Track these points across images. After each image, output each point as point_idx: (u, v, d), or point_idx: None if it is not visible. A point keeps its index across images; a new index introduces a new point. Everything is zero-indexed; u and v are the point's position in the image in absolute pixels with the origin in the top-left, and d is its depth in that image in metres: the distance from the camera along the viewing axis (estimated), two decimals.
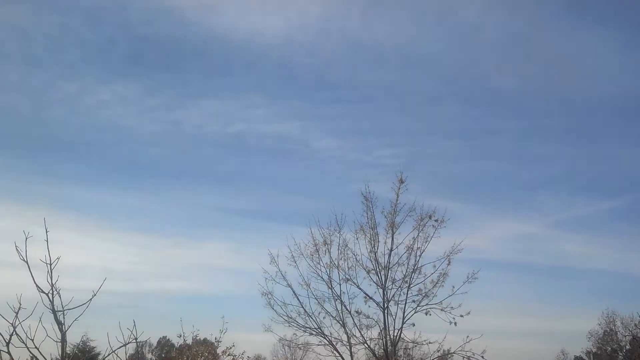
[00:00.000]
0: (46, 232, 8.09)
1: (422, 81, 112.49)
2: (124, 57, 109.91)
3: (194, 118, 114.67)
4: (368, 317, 22.30)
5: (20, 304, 8.00)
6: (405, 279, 22.18)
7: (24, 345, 8.13)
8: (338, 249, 23.15)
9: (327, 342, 22.65)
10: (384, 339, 22.04)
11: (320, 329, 22.77)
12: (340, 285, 22.84)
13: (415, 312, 22.09)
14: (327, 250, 23.26)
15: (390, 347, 21.92)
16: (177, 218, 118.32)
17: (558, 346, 77.30)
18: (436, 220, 22.49)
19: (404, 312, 22.12)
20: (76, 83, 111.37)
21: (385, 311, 22.12)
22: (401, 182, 22.66)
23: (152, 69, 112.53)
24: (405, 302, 22.13)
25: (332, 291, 22.91)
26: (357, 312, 22.44)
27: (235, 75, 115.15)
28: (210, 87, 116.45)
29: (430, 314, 21.90)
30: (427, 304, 21.93)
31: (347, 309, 22.65)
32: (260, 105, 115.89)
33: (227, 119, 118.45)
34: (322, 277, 23.10)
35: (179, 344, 27.70)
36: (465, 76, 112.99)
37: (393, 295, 22.25)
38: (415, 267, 22.24)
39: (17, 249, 8.00)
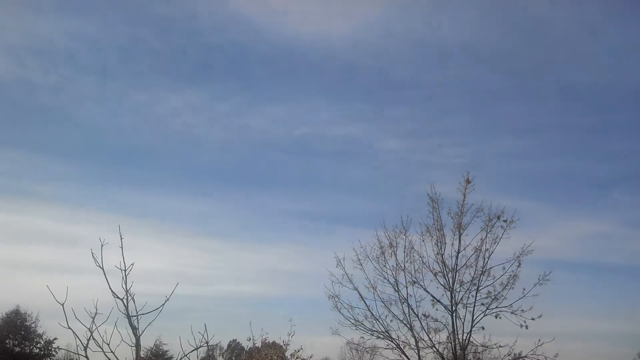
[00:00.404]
0: (121, 239, 8.34)
1: (489, 78, 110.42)
2: (193, 66, 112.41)
3: (260, 123, 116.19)
4: (436, 320, 22.03)
5: (97, 309, 8.25)
6: (474, 282, 21.81)
7: (101, 350, 8.37)
8: (404, 251, 22.98)
9: (395, 346, 22.49)
10: (452, 343, 21.72)
11: (388, 333, 22.63)
12: (406, 288, 22.66)
13: (484, 315, 21.68)
14: (393, 253, 23.11)
15: (459, 351, 21.59)
16: (246, 222, 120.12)
17: (634, 349, 74.39)
18: (505, 221, 22.00)
19: (472, 315, 21.75)
20: (147, 92, 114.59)
21: (454, 314, 21.80)
22: (468, 182, 22.28)
23: (220, 76, 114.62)
24: (474, 305, 21.76)
25: (398, 294, 22.74)
26: (424, 315, 22.21)
27: (300, 79, 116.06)
28: (276, 92, 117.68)
29: (500, 317, 21.46)
30: (496, 307, 21.49)
31: (414, 312, 22.44)
32: (325, 108, 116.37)
33: (292, 123, 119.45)
34: (388, 280, 22.97)
35: (248, 347, 28.13)
36: (534, 72, 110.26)
37: (461, 298, 21.91)
38: (484, 269, 21.83)
39: (93, 256, 8.26)
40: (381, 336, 22.73)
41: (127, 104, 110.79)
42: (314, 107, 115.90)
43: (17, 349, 58.49)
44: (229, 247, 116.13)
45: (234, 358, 70.24)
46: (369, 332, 22.90)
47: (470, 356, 22.58)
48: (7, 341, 58.07)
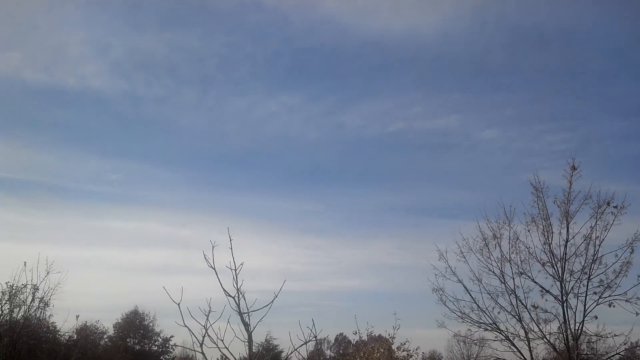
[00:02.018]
0: (230, 240, 8.73)
1: (590, 59, 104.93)
2: (287, 69, 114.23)
3: (355, 120, 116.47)
4: (546, 311, 21.50)
5: (210, 308, 8.66)
6: (585, 270, 21.11)
7: (215, 346, 8.77)
8: (509, 242, 22.56)
9: (504, 338, 22.13)
10: (564, 333, 21.11)
11: (496, 324, 22.30)
12: (513, 279, 22.24)
13: (597, 305, 20.97)
14: (497, 244, 22.74)
15: (571, 341, 20.96)
16: (346, 219, 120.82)
17: None
18: (615, 207, 21.12)
19: (584, 305, 21.06)
20: (246, 98, 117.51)
21: (564, 304, 21.18)
22: (573, 168, 21.55)
23: (313, 77, 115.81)
24: (586, 294, 21.06)
25: (505, 286, 22.35)
26: (533, 306, 21.72)
27: (392, 74, 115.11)
28: (368, 88, 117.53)
29: (614, 306, 20.71)
30: (609, 295, 20.76)
31: (522, 304, 21.99)
32: (419, 101, 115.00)
33: (386, 118, 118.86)
34: (493, 272, 22.62)
35: (355, 341, 28.44)
36: (638, 49, 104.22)
37: (572, 288, 21.26)
38: (595, 257, 21.09)
39: (205, 257, 8.70)
40: (489, 328, 22.44)
41: (227, 111, 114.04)
42: (407, 101, 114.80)
43: (137, 347, 61.68)
44: (331, 243, 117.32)
45: (341, 351, 70.98)
46: (476, 324, 22.67)
47: (584, 346, 21.89)
48: (128, 340, 61.33)
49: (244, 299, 8.80)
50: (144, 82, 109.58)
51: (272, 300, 8.79)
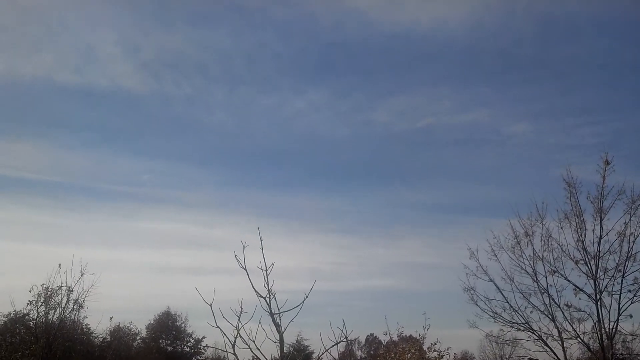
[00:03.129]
0: (260, 240, 8.77)
1: (624, 50, 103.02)
2: (314, 65, 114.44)
3: (383, 117, 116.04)
4: (579, 310, 21.22)
5: (242, 308, 8.71)
6: (619, 268, 20.79)
7: (247, 347, 8.82)
8: (541, 239, 22.31)
9: (537, 337, 21.89)
10: (598, 333, 20.80)
11: (528, 324, 22.07)
12: (546, 277, 21.99)
13: (631, 303, 20.68)
14: (529, 242, 22.51)
15: (606, 341, 20.65)
16: (375, 217, 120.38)
17: None
18: None
19: (619, 303, 20.77)
20: (274, 96, 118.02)
21: (598, 303, 20.88)
22: (607, 163, 21.21)
23: (340, 74, 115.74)
24: (620, 293, 20.78)
25: (537, 284, 22.11)
26: (566, 305, 21.45)
27: (420, 69, 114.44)
28: (396, 84, 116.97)
29: None
30: None
31: (555, 303, 21.73)
32: (447, 96, 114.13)
33: (415, 114, 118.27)
34: (525, 270, 22.39)
35: (385, 341, 28.34)
36: None
37: (606, 286, 20.97)
38: (630, 254, 20.75)
39: (236, 258, 8.75)
40: (521, 328, 22.22)
41: (255, 109, 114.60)
42: (436, 96, 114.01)
43: (170, 348, 62.16)
44: (360, 242, 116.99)
45: (372, 352, 70.80)
46: (509, 324, 22.46)
47: (619, 345, 21.55)
48: (160, 341, 61.87)
49: (275, 299, 8.84)
50: (173, 82, 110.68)
51: (303, 301, 8.82)
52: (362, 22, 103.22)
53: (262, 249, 8.77)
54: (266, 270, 8.74)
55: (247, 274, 8.77)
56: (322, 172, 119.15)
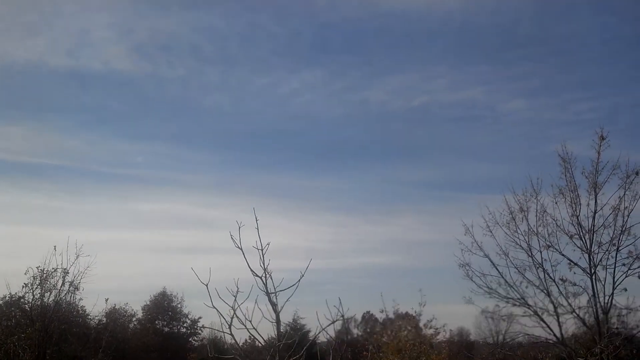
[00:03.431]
0: (256, 220, 8.70)
1: (622, 26, 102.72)
2: (309, 45, 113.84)
3: (378, 96, 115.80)
4: (574, 284, 21.26)
5: (238, 288, 8.65)
6: (613, 242, 20.79)
7: (244, 326, 8.78)
8: (536, 215, 22.30)
9: (532, 313, 21.98)
10: (593, 307, 20.89)
11: (524, 299, 22.15)
12: (541, 252, 22.00)
13: (626, 277, 20.68)
14: (524, 218, 22.49)
15: (601, 315, 20.75)
16: (370, 195, 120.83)
17: None
18: None
19: (613, 277, 20.77)
20: (268, 76, 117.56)
21: (593, 277, 20.92)
22: (602, 138, 21.12)
23: (336, 53, 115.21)
24: (615, 266, 20.76)
25: (532, 259, 22.14)
26: (561, 279, 21.49)
27: (416, 47, 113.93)
28: (392, 63, 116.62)
29: None
30: (639, 267, 20.50)
31: (550, 277, 21.77)
32: (443, 74, 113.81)
33: (410, 92, 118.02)
34: (520, 246, 22.40)
35: (382, 319, 28.46)
36: None
37: (600, 260, 20.97)
38: (624, 229, 20.73)
39: (232, 238, 8.69)
40: (517, 303, 22.30)
41: (250, 89, 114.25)
42: (432, 74, 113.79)
43: (166, 329, 62.42)
44: (355, 220, 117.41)
45: (368, 330, 71.29)
46: (504, 299, 22.54)
47: (614, 320, 21.67)
48: (156, 322, 62.10)
49: (271, 278, 8.79)
50: (167, 64, 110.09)
51: (299, 280, 8.77)
52: (357, 1, 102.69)
53: (257, 229, 8.72)
54: (262, 250, 8.68)
55: (243, 253, 8.72)
56: (318, 151, 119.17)
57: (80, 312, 37.46)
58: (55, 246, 26.20)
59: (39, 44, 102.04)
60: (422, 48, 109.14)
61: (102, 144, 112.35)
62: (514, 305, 22.48)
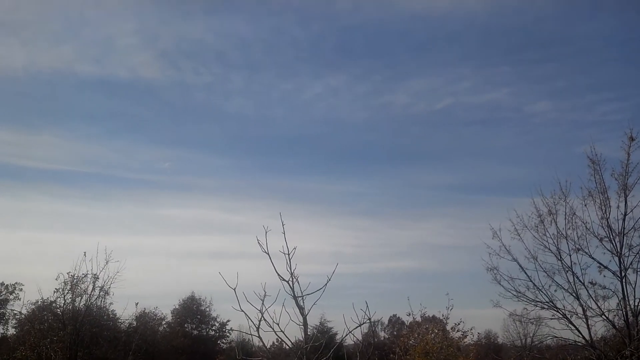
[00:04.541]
0: (282, 225, 8.79)
1: None
2: (332, 50, 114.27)
3: (402, 99, 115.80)
4: (604, 287, 21.05)
5: (265, 292, 8.76)
6: None
7: (272, 329, 8.88)
8: (565, 218, 22.11)
9: (561, 316, 21.78)
10: (623, 310, 20.65)
11: (552, 303, 21.95)
12: (570, 256, 21.81)
13: None
14: (552, 221, 22.32)
15: (631, 318, 20.50)
16: (395, 199, 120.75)
17: None
18: None
19: None
20: (292, 81, 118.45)
21: (623, 280, 20.70)
22: (631, 139, 20.91)
23: (358, 57, 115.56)
24: None
25: (561, 263, 21.95)
26: (591, 283, 21.29)
27: (439, 49, 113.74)
28: (415, 65, 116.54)
29: None
30: None
31: (580, 281, 21.57)
32: (467, 76, 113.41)
33: (434, 95, 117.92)
34: (549, 249, 22.23)
35: (408, 322, 28.38)
36: None
37: (631, 263, 20.76)
38: None
39: (258, 242, 8.79)
40: (546, 306, 22.12)
41: (274, 94, 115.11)
42: (455, 76, 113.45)
43: (195, 332, 62.97)
44: (380, 224, 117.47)
45: (395, 332, 71.10)
46: (533, 302, 22.37)
47: None
48: (185, 325, 62.67)
49: (298, 283, 8.87)
50: (192, 70, 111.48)
51: (326, 284, 8.84)
52: (379, 3, 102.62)
53: (284, 234, 8.81)
54: (288, 254, 8.78)
55: (270, 258, 8.82)
56: (341, 155, 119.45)
57: (111, 316, 37.96)
58: (85, 252, 26.68)
59: (66, 52, 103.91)
60: (445, 50, 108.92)
61: (128, 151, 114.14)
62: (543, 308, 22.32)
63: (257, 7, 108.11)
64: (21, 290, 58.35)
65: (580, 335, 21.43)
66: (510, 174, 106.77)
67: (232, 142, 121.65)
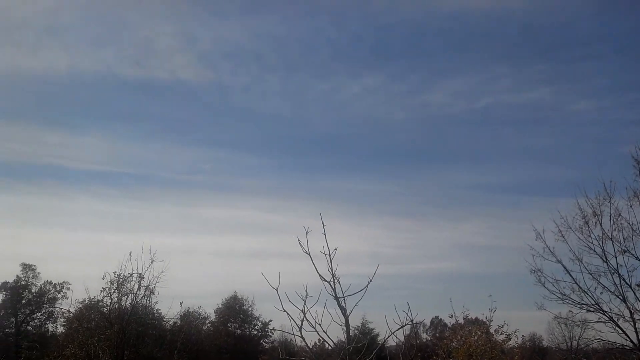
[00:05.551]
0: (323, 226, 8.90)
1: None
2: (369, 49, 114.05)
3: (440, 98, 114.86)
4: None
5: (307, 293, 8.88)
6: None
7: (314, 330, 8.98)
8: (610, 219, 21.76)
9: (608, 319, 21.41)
10: None
11: (598, 305, 21.62)
12: (616, 257, 21.47)
13: None
14: (597, 222, 21.97)
15: None
16: (434, 199, 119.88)
17: None
18: None
19: None
20: (329, 81, 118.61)
21: None
22: None
23: (395, 56, 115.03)
24: None
25: (607, 264, 21.60)
26: (638, 285, 20.90)
27: (477, 48, 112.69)
28: (453, 64, 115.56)
29: None
30: None
31: (626, 283, 21.20)
32: (506, 75, 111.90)
33: (473, 94, 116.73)
34: (594, 251, 21.90)
35: (451, 324, 28.18)
36: None
37: None
38: None
39: (299, 243, 8.90)
40: (591, 309, 21.79)
41: (311, 95, 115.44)
42: (494, 75, 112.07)
43: (238, 332, 63.51)
44: (420, 225, 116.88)
45: (437, 334, 70.54)
46: (578, 305, 22.08)
47: None
48: (229, 324, 63.27)
49: (339, 283, 8.95)
50: (230, 72, 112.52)
51: (367, 285, 8.91)
52: (416, 2, 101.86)
53: (324, 234, 8.90)
54: (329, 255, 8.86)
55: (311, 259, 8.92)
56: (379, 155, 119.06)
57: (156, 315, 38.53)
58: (130, 252, 27.15)
59: (107, 55, 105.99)
60: (484, 49, 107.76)
61: (169, 152, 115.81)
62: (588, 311, 22.00)
63: (293, 8, 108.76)
64: (69, 289, 59.60)
65: (628, 339, 21.05)
66: (551, 174, 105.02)
67: (269, 142, 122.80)
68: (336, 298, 8.92)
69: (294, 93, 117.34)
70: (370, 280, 8.90)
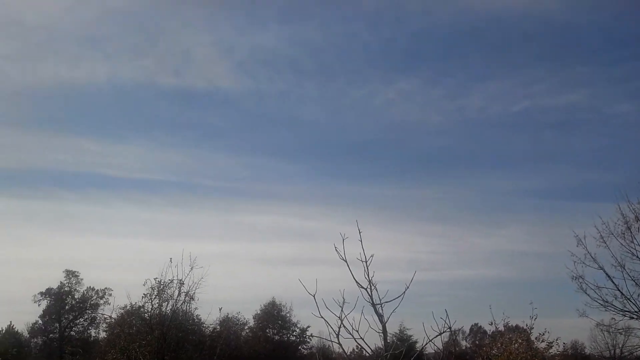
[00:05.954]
0: (359, 232, 8.92)
1: None
2: (403, 54, 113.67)
3: (476, 102, 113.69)
4: None
5: (344, 299, 8.92)
6: None
7: (351, 336, 9.01)
8: None
9: None
10: None
11: None
12: None
13: None
14: None
15: None
16: (471, 205, 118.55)
17: None
18: None
19: None
20: (364, 87, 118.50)
21: None
22: None
23: (430, 60, 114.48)
24: None
25: None
26: None
27: (514, 51, 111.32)
28: (489, 67, 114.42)
29: None
30: None
31: None
32: (543, 78, 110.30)
33: (509, 98, 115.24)
34: (637, 257, 21.47)
35: (491, 331, 27.86)
36: None
37: None
38: None
39: (336, 250, 8.94)
40: (634, 316, 21.38)
41: (346, 101, 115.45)
42: (531, 78, 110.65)
43: (277, 337, 63.73)
44: (457, 231, 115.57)
45: (477, 342, 69.70)
46: (621, 312, 21.69)
47: None
48: (267, 330, 63.56)
49: (376, 290, 8.96)
50: (267, 79, 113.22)
51: (404, 292, 8.91)
52: (451, 5, 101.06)
53: (361, 241, 8.91)
54: (366, 262, 8.88)
55: (348, 265, 8.94)
56: (415, 161, 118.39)
57: (196, 320, 38.93)
58: (170, 258, 27.49)
59: (146, 64, 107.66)
60: (520, 51, 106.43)
61: (207, 159, 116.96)
62: (632, 318, 21.58)
63: (328, 14, 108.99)
64: (110, 295, 60.65)
65: None
66: (591, 178, 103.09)
67: (305, 148, 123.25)
68: (373, 305, 8.93)
69: (330, 99, 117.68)
70: (408, 287, 8.91)
